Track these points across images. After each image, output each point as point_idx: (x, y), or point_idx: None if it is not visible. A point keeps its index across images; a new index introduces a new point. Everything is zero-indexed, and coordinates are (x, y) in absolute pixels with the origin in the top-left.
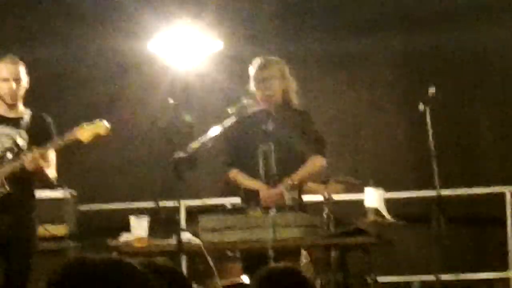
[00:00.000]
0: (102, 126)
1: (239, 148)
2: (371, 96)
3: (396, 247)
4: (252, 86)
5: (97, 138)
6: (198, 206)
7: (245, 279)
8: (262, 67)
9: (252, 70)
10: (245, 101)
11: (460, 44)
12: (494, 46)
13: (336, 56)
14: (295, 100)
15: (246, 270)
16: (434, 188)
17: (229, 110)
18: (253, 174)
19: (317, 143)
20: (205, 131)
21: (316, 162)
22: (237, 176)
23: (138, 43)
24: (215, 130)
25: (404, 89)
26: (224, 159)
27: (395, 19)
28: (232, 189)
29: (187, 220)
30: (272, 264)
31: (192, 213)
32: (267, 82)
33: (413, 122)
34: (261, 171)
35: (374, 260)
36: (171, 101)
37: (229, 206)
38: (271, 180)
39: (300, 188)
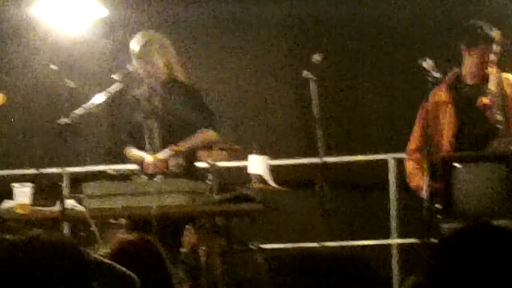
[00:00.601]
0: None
1: (128, 123)
2: (256, 62)
3: (281, 214)
4: (132, 62)
5: None
6: (82, 172)
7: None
8: (142, 43)
9: (132, 46)
10: (130, 67)
11: (345, 10)
12: (378, 12)
13: (221, 22)
14: (180, 74)
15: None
16: (318, 155)
17: (114, 77)
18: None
19: (206, 117)
20: (89, 97)
21: (207, 135)
22: (129, 152)
23: (20, 8)
24: (99, 97)
25: (289, 56)
26: (124, 138)
27: None
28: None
29: (70, 187)
30: (126, 234)
31: (76, 179)
32: (147, 58)
33: (298, 89)
34: (148, 148)
35: (259, 227)
36: (53, 67)
37: (112, 173)
38: None
39: (188, 156)
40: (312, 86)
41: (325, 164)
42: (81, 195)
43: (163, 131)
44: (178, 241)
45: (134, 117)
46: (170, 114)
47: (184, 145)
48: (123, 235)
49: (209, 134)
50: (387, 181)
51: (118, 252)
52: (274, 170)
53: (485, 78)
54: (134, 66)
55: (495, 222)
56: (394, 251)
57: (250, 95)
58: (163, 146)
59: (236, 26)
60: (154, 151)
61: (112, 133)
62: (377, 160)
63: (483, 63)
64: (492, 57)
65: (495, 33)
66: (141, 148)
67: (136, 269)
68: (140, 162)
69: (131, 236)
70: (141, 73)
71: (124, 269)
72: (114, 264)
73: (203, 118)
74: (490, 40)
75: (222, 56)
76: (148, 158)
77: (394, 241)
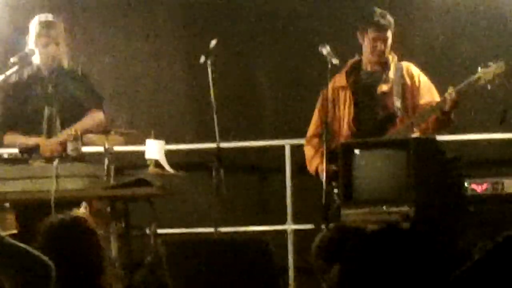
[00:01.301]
0: None
1: (16, 110)
2: (150, 47)
3: (178, 199)
4: (31, 42)
5: None
6: None
7: None
8: (45, 26)
9: (32, 26)
10: (27, 50)
11: None
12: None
13: (116, 6)
14: (66, 61)
15: (22, 221)
16: (214, 140)
17: (12, 60)
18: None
19: (93, 99)
20: None
21: (94, 116)
22: (13, 138)
23: None
24: None
25: (184, 40)
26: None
27: None
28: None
29: None
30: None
31: None
32: (50, 39)
33: (194, 74)
34: (44, 133)
35: (157, 212)
36: None
37: (6, 156)
38: None
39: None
40: (209, 71)
41: (220, 150)
42: None
43: (61, 117)
44: None
45: (28, 102)
46: (65, 99)
47: (77, 128)
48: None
49: (97, 116)
50: (284, 168)
51: (50, 232)
52: (170, 154)
53: (385, 66)
54: (32, 48)
55: (393, 209)
56: (290, 237)
57: (144, 79)
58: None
59: (130, 10)
60: (53, 136)
61: None
62: (274, 146)
63: (379, 50)
64: (387, 43)
65: (390, 20)
66: (28, 133)
67: (70, 248)
68: (31, 147)
69: (63, 216)
70: (40, 55)
71: (39, 254)
72: (29, 249)
73: (90, 99)
74: (384, 27)
75: (115, 40)
76: (44, 141)
77: (290, 227)
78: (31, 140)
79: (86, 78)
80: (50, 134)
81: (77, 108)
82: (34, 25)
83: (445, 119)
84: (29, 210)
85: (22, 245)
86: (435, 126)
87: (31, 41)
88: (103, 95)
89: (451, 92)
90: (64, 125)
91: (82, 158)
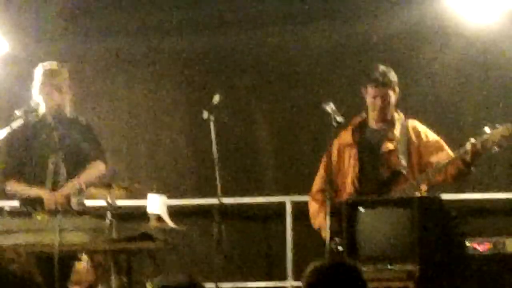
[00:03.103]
0: None
1: (20, 158)
2: (152, 100)
3: (181, 254)
4: (35, 90)
5: None
6: None
7: None
8: (53, 73)
9: (38, 74)
10: (32, 103)
11: (245, 47)
12: (279, 50)
13: (119, 57)
14: (70, 108)
15: None
16: (216, 195)
17: (17, 113)
18: (39, 184)
19: (96, 149)
20: None
21: (97, 167)
22: (15, 186)
23: None
24: (2, 133)
25: (187, 93)
26: (2, 169)
27: (178, 22)
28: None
29: None
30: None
31: None
32: (55, 86)
33: (195, 128)
34: (48, 182)
35: (160, 266)
36: None
37: (8, 209)
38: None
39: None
40: (212, 127)
41: (222, 205)
42: None
43: (66, 164)
44: (67, 277)
45: (32, 149)
46: (69, 147)
47: (82, 181)
48: None
49: (99, 166)
50: (284, 223)
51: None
52: (171, 207)
53: (390, 124)
54: (37, 102)
55: (398, 266)
56: None
57: (145, 131)
58: (68, 179)
59: (133, 61)
60: (55, 187)
61: None
62: (275, 202)
63: (379, 106)
64: (389, 100)
65: (391, 77)
66: (31, 181)
67: None
68: (34, 198)
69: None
70: (44, 103)
71: None
72: None
73: (94, 150)
74: (383, 84)
75: (117, 91)
76: (48, 194)
77: (290, 283)
78: (34, 192)
79: (90, 127)
80: (55, 182)
81: (81, 156)
82: (38, 73)
83: (466, 169)
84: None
85: None
86: (454, 176)
87: (35, 89)
88: (105, 146)
89: (474, 142)
90: (69, 173)
91: (85, 211)
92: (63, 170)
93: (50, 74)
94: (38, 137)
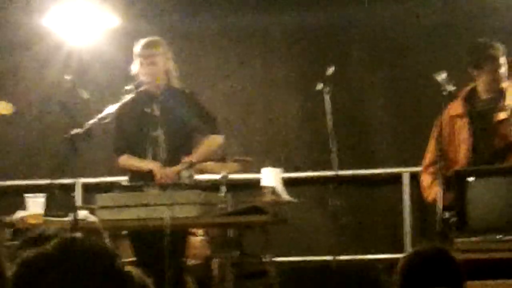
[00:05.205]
0: (7, 106)
1: (127, 132)
2: (265, 73)
3: (294, 227)
4: (135, 65)
5: None
6: (95, 183)
7: None
8: (147, 46)
9: (137, 48)
10: (142, 77)
11: (356, 21)
12: (390, 23)
13: (231, 33)
14: (176, 81)
15: (136, 249)
16: (331, 168)
17: (127, 87)
18: (141, 159)
19: (209, 122)
20: (102, 108)
21: (213, 141)
22: (128, 160)
23: (33, 18)
24: (112, 107)
25: (299, 67)
26: (113, 145)
27: None
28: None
29: (83, 198)
30: None
31: (89, 190)
32: (152, 58)
33: (308, 100)
34: (149, 157)
35: (272, 240)
36: (67, 77)
37: (125, 184)
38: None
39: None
40: (326, 98)
41: (338, 177)
42: (93, 206)
43: (168, 140)
44: (182, 251)
45: (133, 124)
46: (173, 122)
47: (196, 156)
48: None
49: (215, 140)
50: (400, 195)
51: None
52: (286, 183)
53: (501, 94)
54: (137, 71)
55: (508, 237)
56: None
57: (258, 105)
58: (169, 155)
59: (245, 37)
60: (160, 160)
61: None
62: (392, 174)
63: (494, 80)
64: (502, 72)
65: (499, 49)
66: (139, 157)
67: None
68: (145, 172)
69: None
70: (142, 75)
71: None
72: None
73: (207, 124)
74: (495, 58)
75: (232, 66)
76: (159, 168)
77: None
78: (147, 165)
79: (197, 100)
80: (155, 155)
81: (187, 130)
82: (141, 43)
83: None
84: (144, 238)
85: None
86: None
87: (137, 58)
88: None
89: None
90: (171, 146)
91: (195, 185)
92: (164, 143)
93: (148, 46)
94: (143, 111)
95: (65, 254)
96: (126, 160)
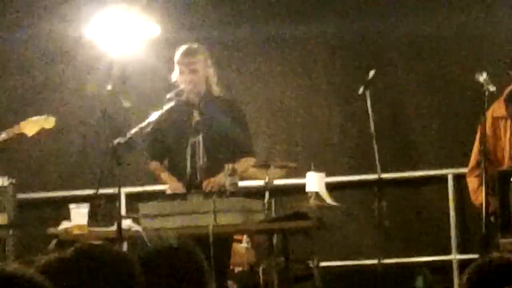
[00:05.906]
0: (49, 121)
1: (167, 140)
2: (306, 80)
3: (339, 231)
4: (175, 73)
5: (42, 131)
6: (138, 192)
7: None
8: (187, 53)
9: (176, 56)
10: (182, 85)
11: (397, 27)
12: (430, 29)
13: (272, 41)
14: (216, 89)
15: None
16: (374, 171)
17: (168, 96)
18: (181, 166)
19: (245, 141)
20: (144, 117)
21: (246, 163)
22: (157, 169)
23: (75, 29)
24: (153, 116)
25: (339, 73)
26: (147, 151)
27: (331, 3)
28: None
29: (127, 207)
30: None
31: (132, 199)
32: (192, 66)
33: (349, 105)
34: (188, 164)
35: (317, 245)
36: (109, 87)
37: (168, 192)
38: (199, 173)
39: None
40: (368, 101)
41: (381, 181)
42: (137, 215)
43: (207, 147)
44: (227, 258)
45: (173, 132)
46: (212, 129)
47: (239, 167)
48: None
49: (247, 162)
50: (444, 197)
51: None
52: (330, 187)
53: None
54: (177, 79)
55: None
56: (455, 267)
57: (299, 111)
58: (208, 161)
59: (286, 44)
60: (194, 169)
61: None
62: (436, 176)
63: None
64: None
65: None
66: (178, 164)
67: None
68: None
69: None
70: (181, 83)
71: None
72: None
73: (244, 143)
74: None
75: (273, 73)
76: (173, 183)
77: (455, 257)
78: (165, 178)
79: (238, 108)
80: (193, 164)
81: (224, 137)
82: (181, 50)
83: None
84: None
85: None
86: None
87: (177, 66)
88: (260, 127)
89: None
90: (209, 154)
91: (239, 192)
92: (203, 150)
93: (187, 54)
94: (183, 118)
95: (83, 260)
96: (155, 167)
